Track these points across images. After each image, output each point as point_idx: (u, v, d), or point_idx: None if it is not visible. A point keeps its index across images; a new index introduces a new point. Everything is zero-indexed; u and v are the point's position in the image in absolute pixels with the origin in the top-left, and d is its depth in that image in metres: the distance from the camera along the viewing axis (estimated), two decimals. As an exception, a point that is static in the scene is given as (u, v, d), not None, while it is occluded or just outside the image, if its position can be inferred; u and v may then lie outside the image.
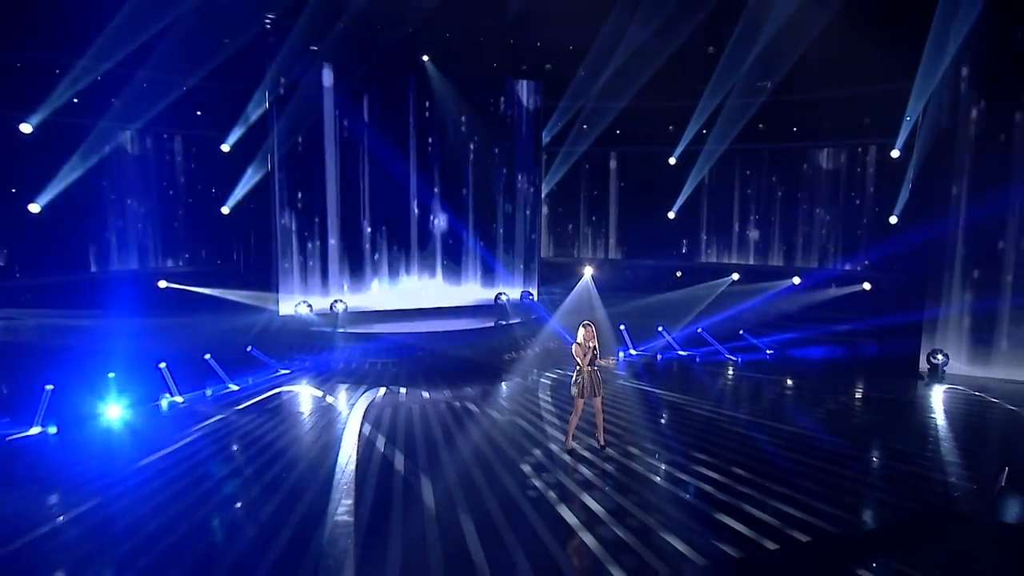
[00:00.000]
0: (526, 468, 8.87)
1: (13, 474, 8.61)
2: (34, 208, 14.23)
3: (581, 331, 9.27)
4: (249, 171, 17.07)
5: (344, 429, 10.52)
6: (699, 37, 18.03)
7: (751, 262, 21.35)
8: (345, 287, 17.49)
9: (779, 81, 18.62)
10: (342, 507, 7.65)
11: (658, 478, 8.60)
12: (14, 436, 9.74)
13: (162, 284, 16.63)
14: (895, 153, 16.55)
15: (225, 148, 17.25)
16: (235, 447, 9.85)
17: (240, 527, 7.24)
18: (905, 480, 8.63)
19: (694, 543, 6.80)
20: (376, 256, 18.05)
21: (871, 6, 15.60)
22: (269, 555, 6.62)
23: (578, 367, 9.21)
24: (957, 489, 8.31)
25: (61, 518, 7.42)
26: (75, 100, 14.88)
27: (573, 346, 9.35)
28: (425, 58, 17.65)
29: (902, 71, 15.28)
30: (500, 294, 18.85)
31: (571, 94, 20.33)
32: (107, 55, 14.08)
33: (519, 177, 19.47)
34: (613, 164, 23.16)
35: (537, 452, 9.49)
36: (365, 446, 9.69)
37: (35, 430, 9.88)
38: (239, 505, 7.82)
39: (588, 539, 6.93)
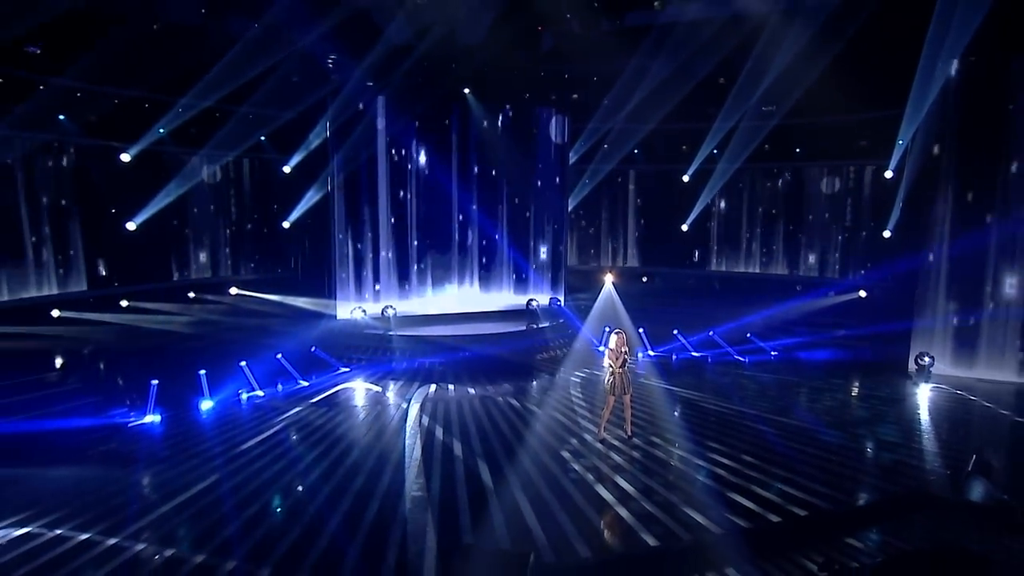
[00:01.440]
0: (566, 454, 9.87)
1: (140, 454, 9.80)
2: (131, 226, 15.43)
3: (614, 338, 10.20)
4: (310, 192, 18.23)
5: (406, 420, 11.54)
6: (712, 68, 18.91)
7: (756, 270, 22.21)
8: (395, 294, 18.61)
9: (784, 107, 19.46)
10: (415, 485, 8.73)
11: (678, 463, 9.59)
12: (134, 423, 10.95)
13: (233, 291, 17.82)
14: (888, 174, 17.33)
15: (287, 169, 18.44)
16: (316, 435, 10.89)
17: (335, 500, 8.33)
18: (890, 466, 9.56)
19: (711, 516, 7.81)
20: (422, 266, 19.18)
21: (867, 39, 16.38)
22: (363, 523, 7.73)
23: (611, 368, 10.20)
24: (933, 474, 9.25)
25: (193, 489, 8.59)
26: (160, 131, 16.12)
27: (606, 350, 10.33)
28: (466, 91, 18.75)
29: (895, 99, 16.02)
30: (531, 300, 19.69)
31: (596, 119, 21.32)
32: (201, 94, 15.24)
33: (548, 195, 20.45)
34: (632, 181, 24.14)
35: (574, 441, 10.49)
36: (426, 435, 10.72)
37: (149, 418, 11.07)
38: (331, 482, 8.86)
39: (623, 512, 7.98)
